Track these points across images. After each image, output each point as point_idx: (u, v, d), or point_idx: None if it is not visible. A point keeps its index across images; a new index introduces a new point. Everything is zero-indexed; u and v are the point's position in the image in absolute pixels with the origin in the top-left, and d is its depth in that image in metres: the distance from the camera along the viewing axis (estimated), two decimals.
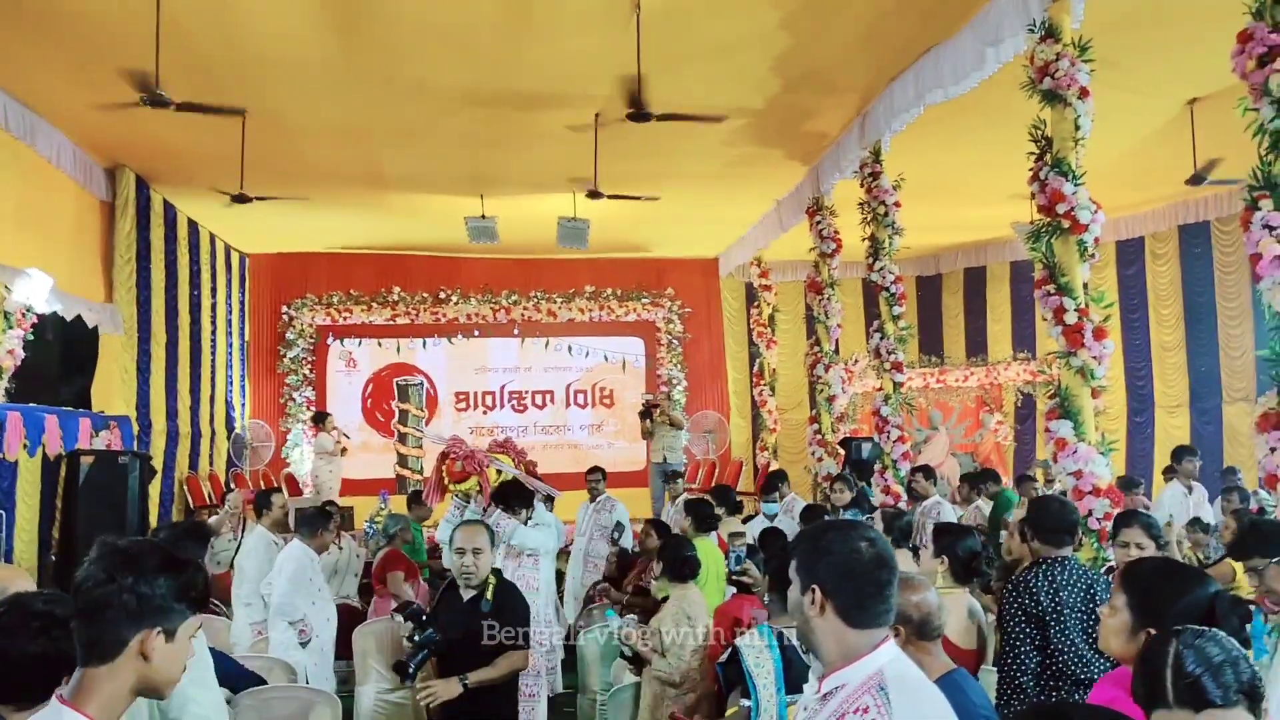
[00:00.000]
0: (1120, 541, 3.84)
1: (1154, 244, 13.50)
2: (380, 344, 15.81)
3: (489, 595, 4.37)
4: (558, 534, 7.40)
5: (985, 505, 9.12)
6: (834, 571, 1.98)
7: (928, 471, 8.76)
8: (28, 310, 8.53)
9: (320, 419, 13.88)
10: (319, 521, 6.31)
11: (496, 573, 4.48)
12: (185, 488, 12.02)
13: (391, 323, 15.71)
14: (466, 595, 4.40)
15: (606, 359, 16.19)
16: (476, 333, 15.94)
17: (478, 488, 6.17)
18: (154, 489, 10.46)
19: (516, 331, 16.03)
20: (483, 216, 11.77)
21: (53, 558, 8.91)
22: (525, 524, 6.20)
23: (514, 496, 6.18)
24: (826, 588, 1.97)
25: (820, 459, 11.05)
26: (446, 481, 6.25)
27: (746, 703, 3.45)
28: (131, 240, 10.84)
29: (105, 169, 10.52)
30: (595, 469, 9.12)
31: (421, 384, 15.68)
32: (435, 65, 8.04)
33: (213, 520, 9.34)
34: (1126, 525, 3.89)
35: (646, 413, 11.88)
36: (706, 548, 5.98)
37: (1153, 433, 13.57)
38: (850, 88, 8.69)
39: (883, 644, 1.95)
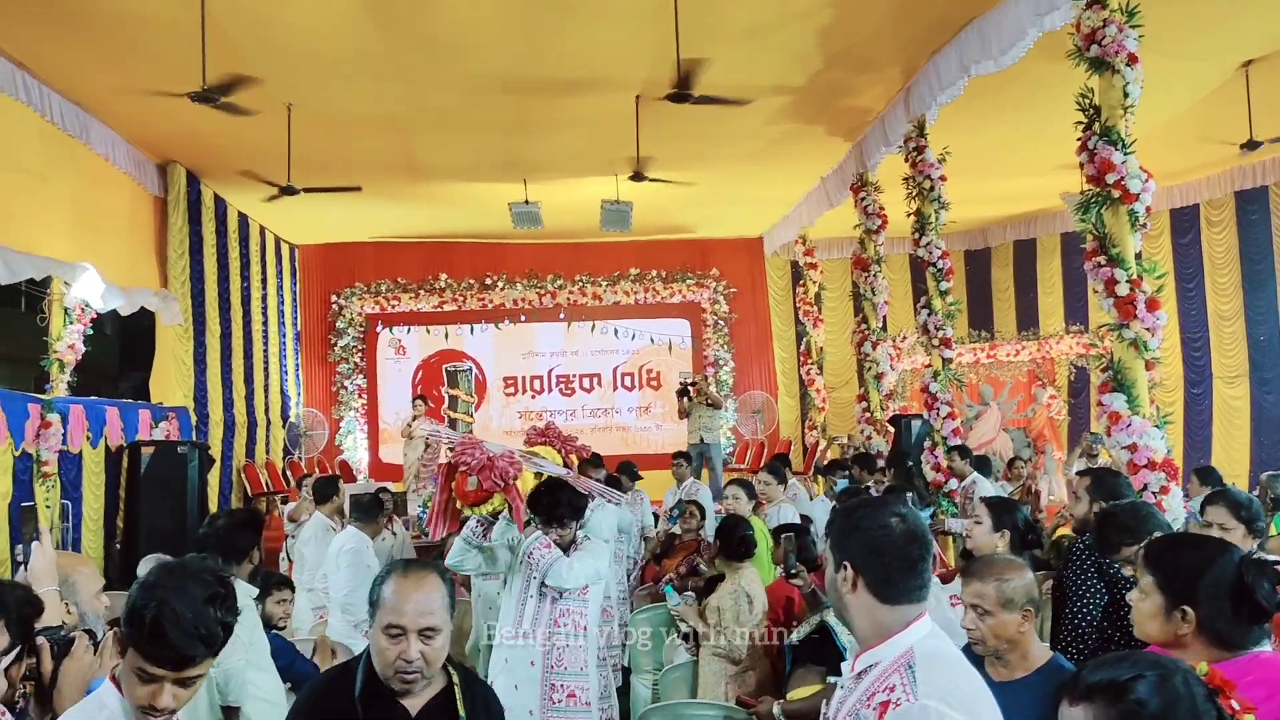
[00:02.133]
0: (1204, 523, 3.68)
1: (1209, 211, 13.19)
2: (429, 331, 15.98)
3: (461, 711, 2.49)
4: (628, 522, 7.30)
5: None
6: (864, 548, 1.98)
7: (963, 451, 8.73)
8: (86, 305, 8.75)
9: (414, 402, 13.99)
10: (373, 508, 6.41)
11: (458, 668, 2.55)
12: (243, 476, 12.27)
13: (439, 309, 15.87)
14: (412, 706, 2.44)
15: (653, 341, 16.20)
16: (523, 317, 16.04)
17: (505, 507, 4.29)
18: (212, 478, 10.71)
19: (563, 315, 16.11)
20: (526, 202, 11.82)
21: (118, 546, 9.18)
22: (572, 545, 4.38)
23: (559, 505, 4.35)
24: (857, 564, 1.98)
25: (869, 436, 10.99)
26: (458, 505, 4.36)
27: (835, 680, 3.45)
28: (184, 234, 11.05)
29: (157, 164, 10.73)
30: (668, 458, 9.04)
31: (470, 369, 15.82)
32: (475, 53, 8.08)
33: (291, 507, 9.49)
34: (1212, 504, 3.72)
35: (684, 392, 11.84)
36: (759, 527, 5.99)
37: (1210, 404, 13.29)
38: (893, 62, 8.58)
39: (915, 621, 1.95)
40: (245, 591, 3.66)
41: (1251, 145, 9.63)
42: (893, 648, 1.93)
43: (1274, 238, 12.53)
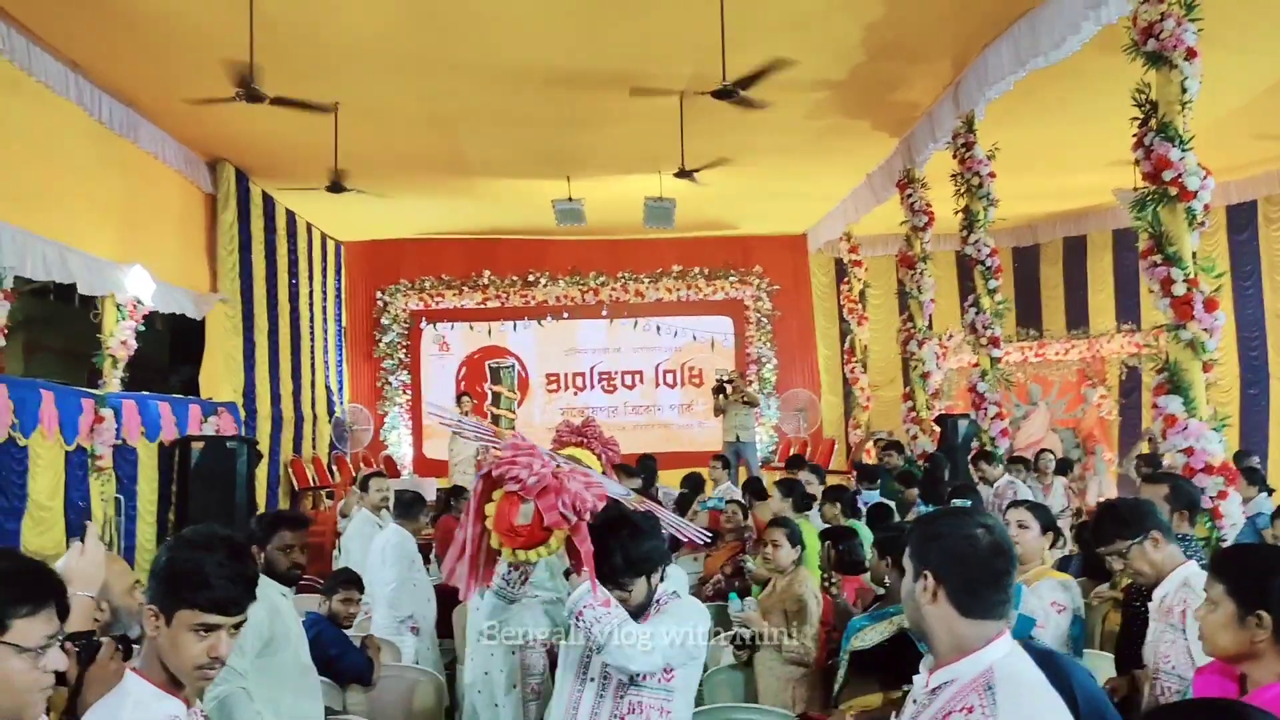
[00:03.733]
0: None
1: (1267, 207, 12.87)
2: (472, 327, 16.05)
3: None
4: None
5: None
6: (947, 557, 1.92)
7: (988, 456, 8.63)
8: (139, 302, 8.89)
9: (459, 399, 14.10)
10: (415, 506, 6.43)
11: None
12: (290, 471, 12.41)
13: (482, 306, 15.93)
14: None
15: (695, 338, 16.15)
16: (566, 314, 16.06)
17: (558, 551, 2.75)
18: (260, 472, 10.83)
19: (605, 313, 16.10)
20: (569, 199, 11.82)
21: (169, 540, 9.31)
22: (650, 607, 2.96)
23: (609, 554, 2.85)
24: (939, 574, 1.92)
25: (915, 436, 10.86)
26: (495, 544, 2.69)
27: (906, 688, 3.38)
28: (234, 232, 11.20)
29: (207, 162, 10.88)
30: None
31: (513, 366, 15.89)
32: (517, 50, 8.09)
33: (344, 503, 9.56)
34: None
35: (720, 389, 11.75)
36: (806, 528, 5.93)
37: (1268, 404, 12.98)
38: (942, 55, 8.46)
39: (996, 639, 1.89)
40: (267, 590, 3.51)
41: None
42: (972, 665, 1.87)
43: None
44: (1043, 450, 10.57)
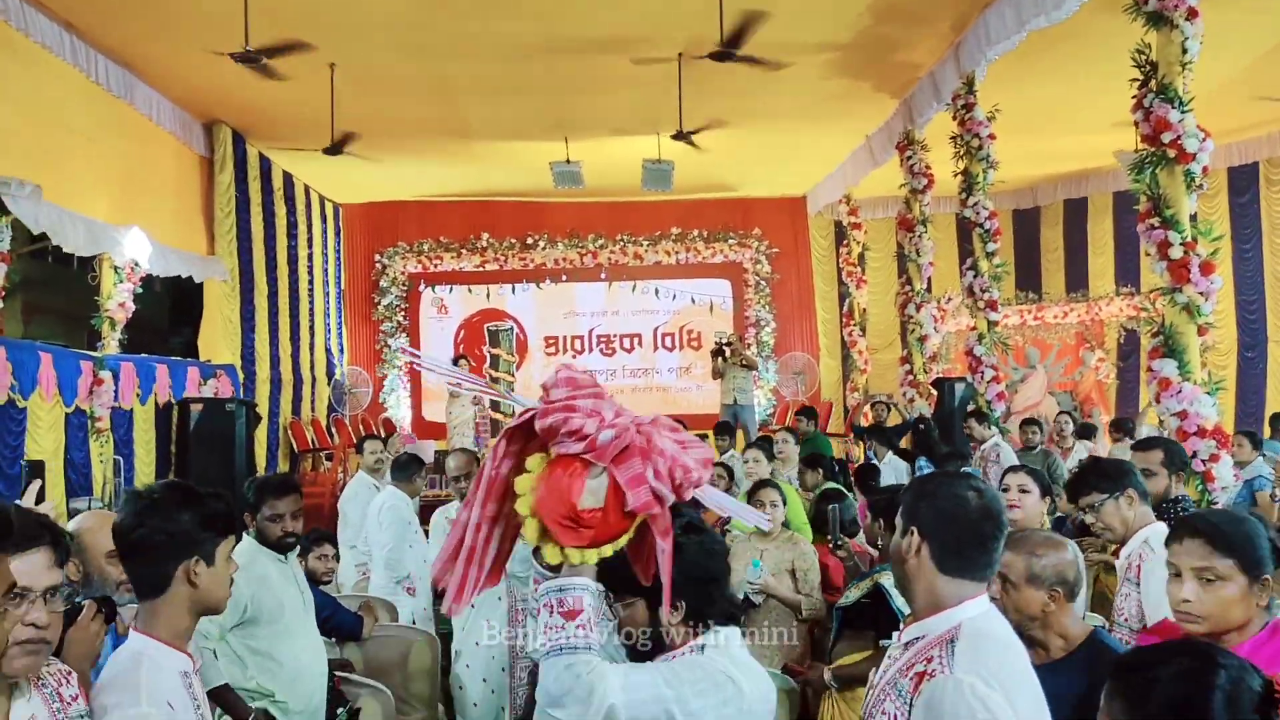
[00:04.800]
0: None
1: (1269, 169, 12.82)
2: (470, 290, 16.04)
3: None
4: None
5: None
6: (935, 515, 1.95)
7: (980, 415, 8.66)
8: (136, 265, 8.88)
9: (455, 362, 14.09)
10: (411, 467, 6.47)
11: None
12: (289, 433, 12.46)
13: (481, 269, 15.91)
14: None
15: (694, 301, 16.14)
16: (564, 277, 16.04)
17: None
18: (259, 435, 10.89)
19: (603, 275, 16.08)
20: (567, 161, 11.77)
21: None
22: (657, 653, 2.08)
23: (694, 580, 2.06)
24: (925, 531, 1.95)
25: (913, 400, 10.89)
26: (535, 539, 1.74)
27: (886, 643, 3.43)
28: (231, 194, 11.16)
29: (203, 125, 10.81)
30: None
31: (511, 329, 15.87)
32: (516, 14, 8.02)
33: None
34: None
35: (719, 351, 11.75)
36: (786, 489, 5.95)
37: (1265, 368, 13.01)
38: (943, 17, 8.39)
39: (971, 599, 1.92)
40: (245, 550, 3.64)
41: None
42: (942, 622, 1.90)
43: None
44: (1062, 412, 10.57)
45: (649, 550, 1.82)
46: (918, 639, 1.93)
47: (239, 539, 2.20)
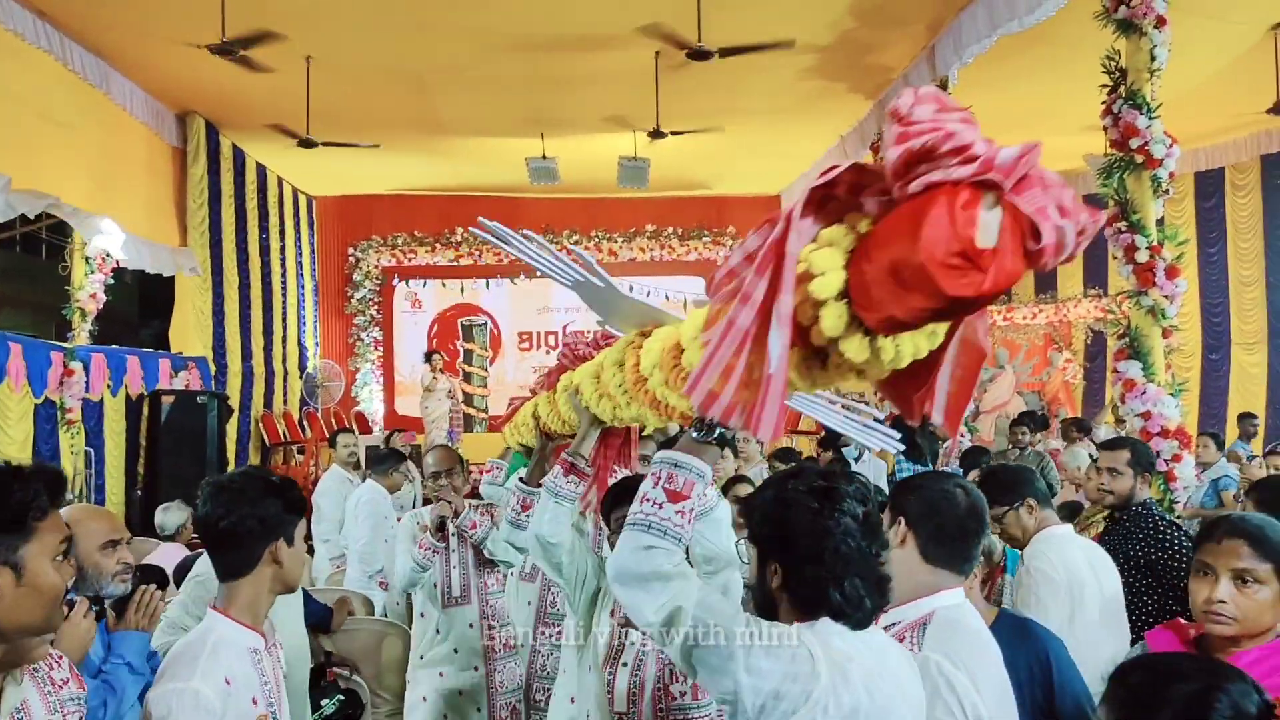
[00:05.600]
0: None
1: (1234, 175, 13.03)
2: (444, 284, 16.01)
3: None
4: None
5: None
6: (922, 506, 2.06)
7: None
8: (108, 255, 8.81)
9: (428, 357, 14.07)
10: (390, 461, 6.48)
11: None
12: (260, 426, 12.40)
13: (455, 263, 15.88)
14: None
15: (668, 298, 16.17)
16: (539, 273, 15.99)
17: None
18: (230, 428, 10.83)
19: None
20: (543, 157, 11.78)
21: (138, 493, 9.32)
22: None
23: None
24: (911, 520, 2.05)
25: (884, 399, 11.00)
26: (839, 320, 1.35)
27: None
28: (203, 185, 11.08)
29: (176, 115, 10.73)
30: None
31: (485, 324, 15.87)
32: (493, 9, 8.03)
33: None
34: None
35: None
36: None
37: (1228, 370, 13.23)
38: (918, 19, 8.48)
39: (948, 590, 2.00)
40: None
41: (1278, 109, 9.48)
42: (915, 610, 2.00)
43: None
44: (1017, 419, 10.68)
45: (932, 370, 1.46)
46: (892, 625, 2.00)
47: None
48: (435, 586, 4.17)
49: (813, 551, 1.68)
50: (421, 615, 4.26)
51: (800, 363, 1.44)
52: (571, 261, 2.23)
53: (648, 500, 1.69)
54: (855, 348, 1.35)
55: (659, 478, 1.70)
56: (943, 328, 1.41)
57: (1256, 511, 3.29)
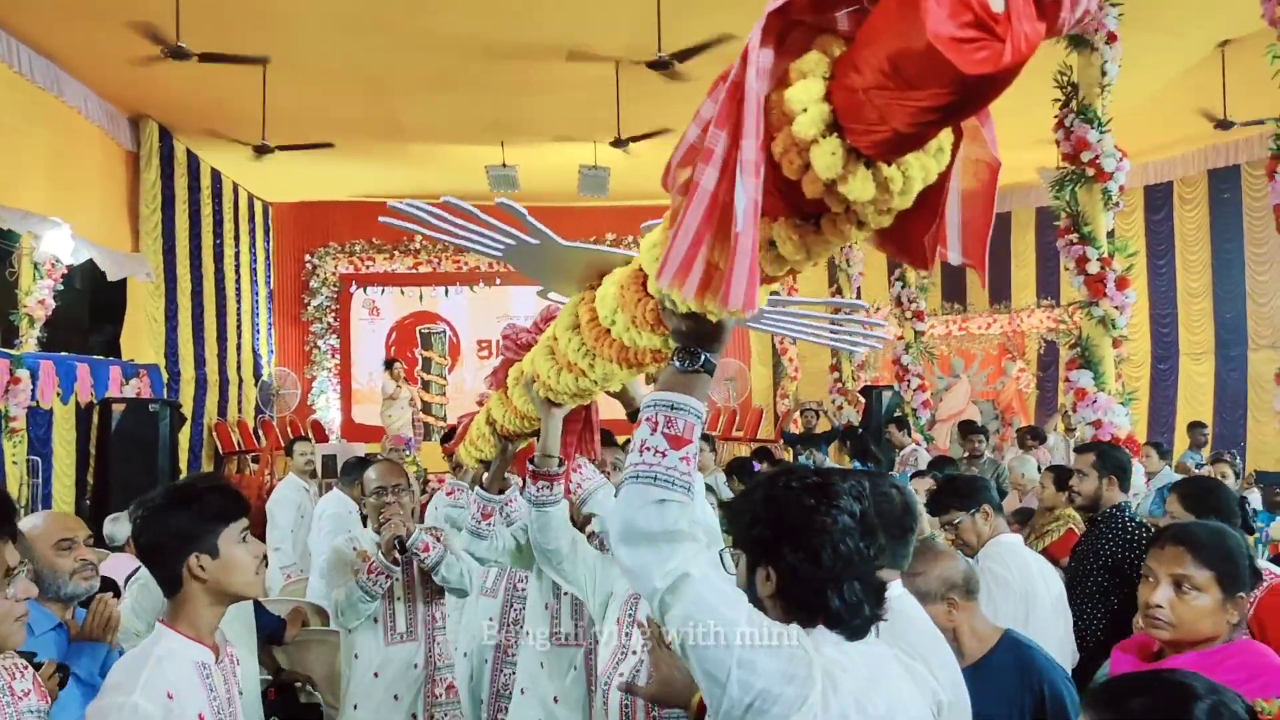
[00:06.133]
0: (1166, 513, 3.52)
1: (1182, 188, 13.33)
2: (403, 292, 15.90)
3: None
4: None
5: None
6: (886, 521, 2.09)
7: (900, 422, 8.91)
8: (57, 261, 8.65)
9: (389, 365, 13.94)
10: (357, 471, 6.39)
11: None
12: (214, 434, 12.22)
13: (414, 271, 15.78)
14: None
15: None
16: (498, 280, 15.98)
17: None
18: (183, 436, 10.66)
19: None
20: (503, 165, 11.76)
21: (87, 503, 9.15)
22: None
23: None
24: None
25: (841, 407, 11.09)
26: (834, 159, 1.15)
27: None
28: (157, 190, 10.93)
29: (129, 119, 10.58)
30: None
31: (444, 332, 15.78)
32: (454, 15, 8.00)
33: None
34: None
35: None
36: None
37: (1176, 380, 13.51)
38: None
39: (889, 583, 2.05)
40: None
41: (1225, 125, 9.72)
42: None
43: (1244, 217, 12.68)
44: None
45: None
46: None
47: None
48: (375, 621, 3.70)
49: (809, 552, 1.57)
50: (356, 656, 3.75)
51: (790, 231, 1.27)
52: (501, 223, 2.03)
53: (648, 449, 1.50)
54: (859, 185, 1.16)
55: (655, 423, 1.51)
56: (949, 143, 1.22)
57: (1181, 509, 3.38)
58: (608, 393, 2.46)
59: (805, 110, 1.14)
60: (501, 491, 3.24)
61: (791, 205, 1.24)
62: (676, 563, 1.47)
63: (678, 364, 1.54)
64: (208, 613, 2.15)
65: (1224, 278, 12.97)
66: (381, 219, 1.96)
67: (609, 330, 1.86)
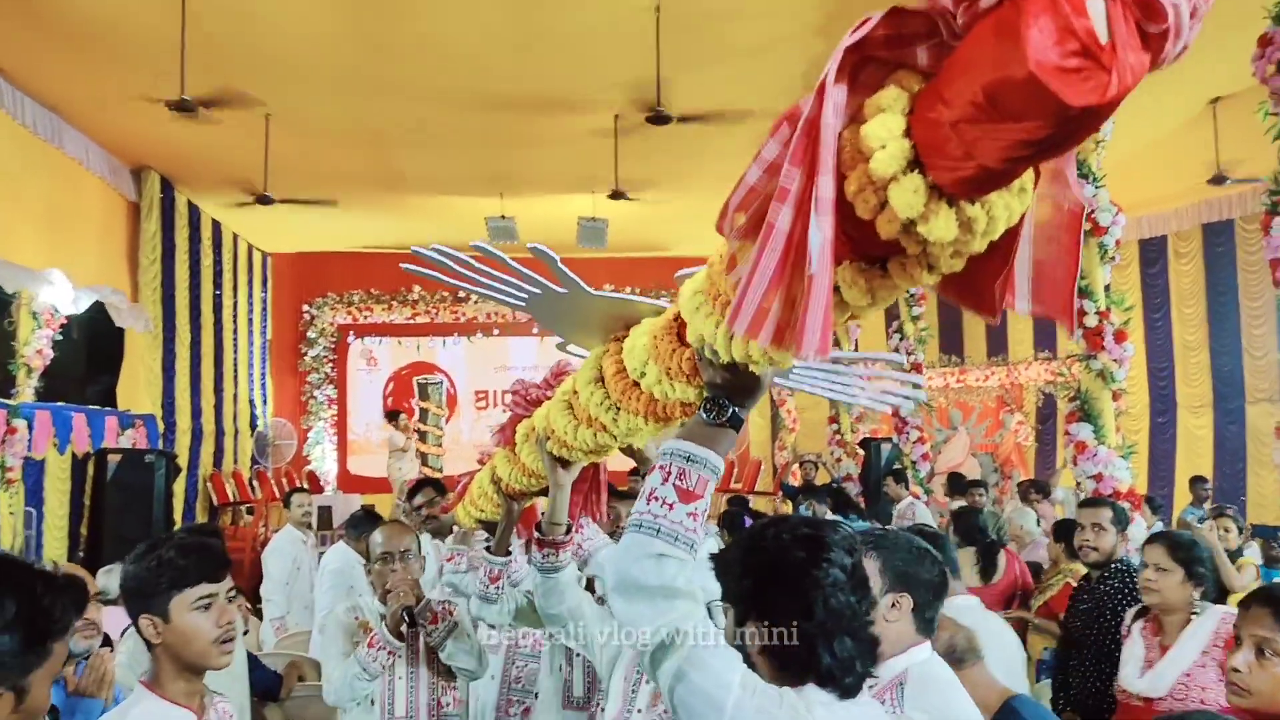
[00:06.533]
0: (1143, 563, 3.35)
1: (1177, 242, 13.41)
2: (400, 342, 15.92)
3: None
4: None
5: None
6: (925, 587, 2.11)
7: (898, 475, 8.88)
8: (56, 311, 8.65)
9: (393, 416, 13.87)
10: (365, 525, 6.23)
11: None
12: (209, 485, 12.15)
13: (412, 321, 15.81)
14: None
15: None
16: (496, 331, 16.01)
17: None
18: (179, 487, 10.60)
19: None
20: (502, 216, 11.83)
21: (81, 555, 9.06)
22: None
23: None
24: (916, 600, 2.09)
25: (840, 459, 11.05)
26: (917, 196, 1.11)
27: None
28: (156, 241, 10.97)
29: (131, 170, 10.66)
30: None
31: (442, 382, 15.78)
32: (454, 70, 8.11)
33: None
34: (1150, 544, 3.37)
35: None
36: None
37: (1175, 433, 13.49)
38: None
39: (917, 646, 2.02)
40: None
41: (1218, 180, 9.82)
42: (889, 669, 2.01)
43: (1239, 271, 12.76)
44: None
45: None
46: (869, 684, 2.00)
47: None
48: (373, 704, 3.31)
49: (800, 606, 1.51)
50: None
51: (856, 275, 1.23)
52: (528, 270, 2.04)
53: (656, 499, 1.45)
54: (941, 225, 1.10)
55: (669, 472, 1.46)
56: (1030, 182, 1.19)
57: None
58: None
59: (884, 146, 1.10)
60: (509, 553, 3.09)
61: (856, 248, 1.20)
62: (672, 617, 1.42)
63: (704, 415, 1.51)
64: (175, 676, 2.02)
65: (1220, 331, 13.01)
66: (403, 266, 1.96)
67: (636, 383, 1.81)
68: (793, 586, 1.53)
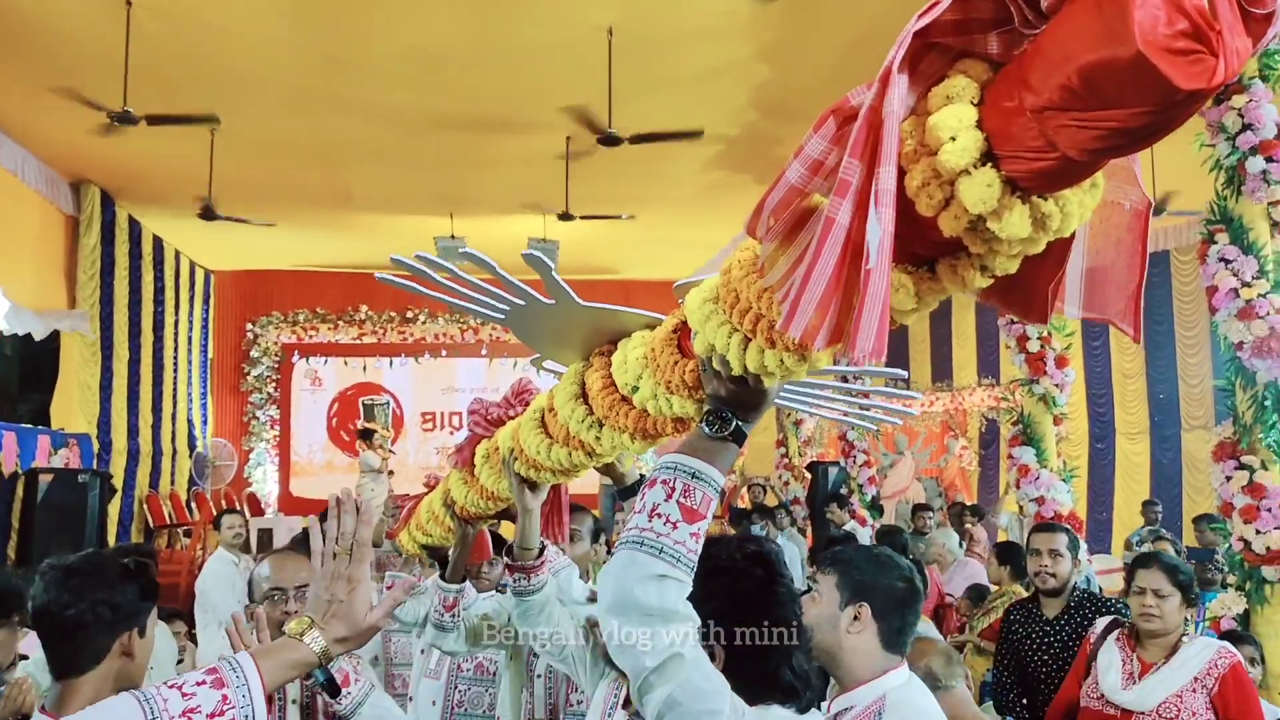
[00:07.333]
0: (1137, 588, 3.28)
1: None
2: (346, 363, 15.71)
3: None
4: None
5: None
6: (885, 595, 2.04)
7: (841, 500, 8.97)
8: None
9: (366, 436, 13.52)
10: (305, 548, 6.16)
11: None
12: (145, 507, 11.85)
13: (358, 341, 15.62)
14: None
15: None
16: (444, 352, 15.88)
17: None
18: (113, 508, 10.32)
19: (484, 351, 15.98)
20: (452, 236, 11.77)
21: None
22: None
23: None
24: (876, 609, 2.02)
25: (787, 482, 11.09)
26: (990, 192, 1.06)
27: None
28: (95, 256, 10.74)
29: (70, 183, 10.43)
30: None
31: (388, 403, 15.60)
32: (406, 88, 8.06)
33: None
34: (1145, 568, 3.33)
35: None
36: None
37: (1114, 459, 13.74)
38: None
39: (894, 669, 2.00)
40: None
41: (1155, 211, 10.05)
42: (870, 693, 1.98)
43: (1174, 301, 13.07)
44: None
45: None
46: (846, 710, 1.99)
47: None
48: None
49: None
50: None
51: (904, 278, 1.19)
52: (516, 280, 1.91)
53: (659, 515, 1.35)
54: (1015, 221, 1.04)
55: (673, 488, 1.36)
56: (1102, 178, 1.11)
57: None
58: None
59: (954, 138, 1.02)
60: (464, 580, 3.01)
61: (904, 248, 1.12)
62: (669, 641, 1.34)
63: (707, 429, 1.42)
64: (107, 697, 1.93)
65: (1157, 359, 13.30)
66: (380, 276, 1.83)
67: (625, 398, 1.73)
68: (754, 605, 1.52)
